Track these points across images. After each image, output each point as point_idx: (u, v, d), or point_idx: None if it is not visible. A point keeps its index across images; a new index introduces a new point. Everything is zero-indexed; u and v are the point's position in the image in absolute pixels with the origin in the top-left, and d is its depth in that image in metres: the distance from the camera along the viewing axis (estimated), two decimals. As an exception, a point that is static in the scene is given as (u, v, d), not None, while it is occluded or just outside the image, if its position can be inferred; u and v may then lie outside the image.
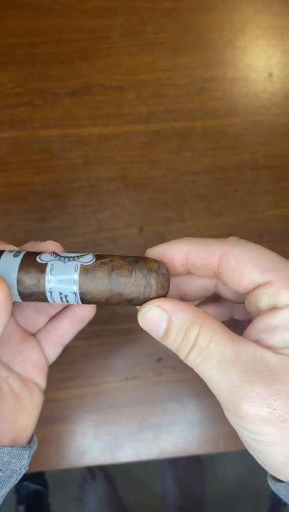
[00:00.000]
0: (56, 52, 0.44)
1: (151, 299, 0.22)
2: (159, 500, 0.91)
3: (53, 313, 0.29)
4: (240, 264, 0.22)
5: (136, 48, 0.45)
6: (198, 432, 0.41)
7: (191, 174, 0.43)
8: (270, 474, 0.23)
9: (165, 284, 0.22)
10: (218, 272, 0.23)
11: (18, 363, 0.28)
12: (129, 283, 0.21)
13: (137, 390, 0.41)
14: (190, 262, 0.23)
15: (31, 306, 0.28)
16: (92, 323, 0.42)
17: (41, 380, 0.29)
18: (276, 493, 0.23)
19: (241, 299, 0.24)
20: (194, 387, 0.41)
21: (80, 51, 0.44)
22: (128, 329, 0.41)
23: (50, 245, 0.25)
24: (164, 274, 0.22)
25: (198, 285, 0.25)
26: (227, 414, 0.21)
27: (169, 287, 0.23)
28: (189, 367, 0.22)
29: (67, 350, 0.41)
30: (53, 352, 0.30)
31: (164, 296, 0.22)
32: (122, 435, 0.40)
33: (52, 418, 0.40)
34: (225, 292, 0.25)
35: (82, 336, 0.41)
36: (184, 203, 0.43)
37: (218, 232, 0.43)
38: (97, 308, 0.42)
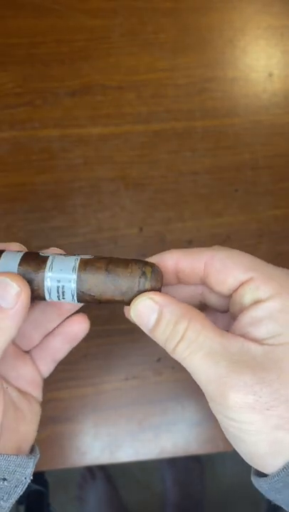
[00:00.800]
0: (56, 52, 0.44)
1: (146, 290, 0.23)
2: (159, 500, 0.91)
3: (50, 329, 0.29)
4: (225, 266, 0.23)
5: (136, 48, 0.45)
6: (198, 431, 0.41)
7: (191, 174, 0.43)
8: (253, 471, 0.24)
9: (159, 278, 0.23)
10: (205, 276, 0.24)
11: (14, 378, 0.28)
12: (125, 274, 0.22)
13: (137, 390, 0.41)
14: (179, 267, 0.25)
15: (29, 322, 0.28)
16: (92, 323, 0.42)
17: (37, 394, 0.29)
18: (259, 489, 0.24)
19: (225, 307, 0.26)
20: (194, 387, 0.41)
21: (80, 51, 0.44)
22: (128, 329, 0.41)
23: (55, 251, 0.26)
24: (158, 270, 0.23)
25: (186, 293, 0.27)
26: (212, 405, 0.22)
27: (162, 283, 0.23)
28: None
29: (68, 350, 0.41)
30: (46, 368, 0.30)
31: (158, 290, 0.23)
32: (122, 435, 0.40)
33: (52, 418, 0.40)
34: (210, 299, 0.26)
35: (85, 330, 0.41)
36: (184, 203, 0.43)
37: (218, 232, 0.43)
38: (97, 309, 0.42)
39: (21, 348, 0.29)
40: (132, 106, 0.44)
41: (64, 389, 0.41)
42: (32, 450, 0.27)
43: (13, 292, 0.22)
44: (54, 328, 0.29)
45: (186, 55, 0.45)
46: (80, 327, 0.29)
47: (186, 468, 0.91)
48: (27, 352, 0.29)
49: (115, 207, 0.43)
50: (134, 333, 0.41)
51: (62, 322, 0.29)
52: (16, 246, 0.25)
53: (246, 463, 0.24)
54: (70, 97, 0.44)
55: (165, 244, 0.42)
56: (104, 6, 0.45)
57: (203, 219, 0.43)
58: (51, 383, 0.40)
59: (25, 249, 0.25)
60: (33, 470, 0.26)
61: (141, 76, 0.44)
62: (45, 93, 0.44)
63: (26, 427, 0.27)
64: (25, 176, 0.42)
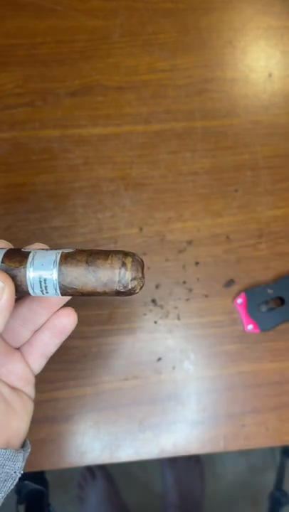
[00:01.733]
0: (56, 53, 0.44)
1: (127, 282, 0.23)
2: (159, 500, 0.91)
3: (39, 324, 0.29)
4: None
5: (136, 48, 0.45)
6: (198, 431, 0.41)
7: (191, 174, 0.44)
8: None
9: (139, 267, 0.23)
10: None
11: (4, 375, 0.28)
12: (105, 266, 0.22)
13: (137, 390, 0.41)
14: None
15: (17, 318, 0.28)
16: (92, 323, 0.42)
17: (29, 391, 0.29)
18: None
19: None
20: (194, 386, 0.41)
21: (80, 52, 0.45)
22: (128, 329, 0.41)
23: (39, 246, 0.26)
24: (138, 260, 0.23)
25: None
26: None
27: (143, 273, 0.23)
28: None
29: (68, 350, 0.41)
30: (37, 364, 0.30)
31: (139, 280, 0.23)
32: (122, 435, 0.40)
33: (52, 418, 0.40)
34: None
35: (82, 335, 0.42)
36: (184, 203, 0.43)
37: (218, 232, 0.43)
38: (97, 309, 0.42)
39: (11, 345, 0.29)
40: (132, 106, 0.44)
41: (64, 389, 0.41)
42: (23, 446, 0.27)
43: None
44: (43, 324, 0.29)
45: (185, 56, 0.45)
46: (68, 320, 0.29)
47: (186, 468, 0.91)
48: (17, 349, 0.29)
49: (115, 207, 0.43)
50: (134, 333, 0.41)
51: (50, 317, 0.29)
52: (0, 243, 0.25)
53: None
54: (70, 98, 0.44)
55: (165, 244, 0.43)
56: (104, 6, 0.45)
57: (203, 219, 0.43)
58: (51, 383, 0.40)
59: (10, 246, 0.25)
60: (23, 464, 0.26)
61: (141, 76, 0.45)
62: (45, 93, 0.44)
63: (18, 423, 0.27)
64: (26, 176, 0.43)
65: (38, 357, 0.29)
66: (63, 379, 0.41)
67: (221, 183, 0.44)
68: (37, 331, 0.29)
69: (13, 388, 0.28)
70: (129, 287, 0.23)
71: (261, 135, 0.45)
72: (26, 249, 0.24)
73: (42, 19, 0.45)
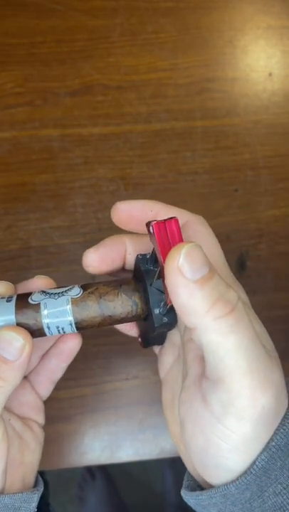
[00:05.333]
0: (56, 52, 0.44)
1: (139, 314, 0.24)
2: (159, 500, 0.91)
3: (45, 349, 0.30)
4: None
5: (136, 47, 0.45)
6: (199, 431, 0.41)
7: (191, 174, 0.44)
8: (187, 482, 0.24)
9: (148, 300, 0.24)
10: None
11: (16, 407, 0.28)
12: (117, 306, 0.24)
13: (137, 390, 0.41)
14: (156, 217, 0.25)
15: None
16: (93, 322, 0.42)
17: (40, 418, 0.29)
18: (188, 503, 0.24)
19: None
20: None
21: (80, 51, 0.44)
22: (128, 329, 0.41)
23: (39, 281, 0.26)
24: (145, 290, 0.24)
25: (143, 245, 0.27)
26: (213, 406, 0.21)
27: (150, 302, 0.24)
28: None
29: (68, 349, 0.41)
30: (45, 390, 0.30)
31: (148, 310, 0.24)
32: (122, 435, 0.40)
33: (52, 418, 0.40)
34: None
35: (82, 335, 0.41)
36: (184, 202, 0.43)
37: (218, 232, 0.43)
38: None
39: None
40: (132, 106, 0.44)
41: (64, 389, 0.41)
42: (36, 481, 0.28)
43: (18, 345, 0.23)
44: (49, 348, 0.30)
45: (186, 55, 0.45)
46: (73, 343, 0.29)
47: (186, 468, 0.91)
48: (25, 377, 0.29)
49: (115, 207, 0.43)
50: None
51: (55, 342, 0.29)
52: (2, 286, 0.25)
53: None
54: (70, 97, 0.44)
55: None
56: (104, 6, 0.45)
57: (203, 219, 0.43)
58: (51, 383, 0.40)
59: (12, 286, 0.26)
60: (37, 502, 0.26)
61: (141, 76, 0.44)
62: (45, 93, 0.44)
63: (30, 457, 0.27)
64: (26, 175, 0.42)
65: (46, 384, 0.30)
66: (63, 379, 0.41)
67: (221, 183, 0.44)
68: (43, 358, 0.30)
69: (24, 420, 0.28)
70: (143, 315, 0.24)
71: (261, 134, 0.44)
72: (34, 299, 0.24)
73: (42, 18, 0.45)
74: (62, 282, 0.43)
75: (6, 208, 0.42)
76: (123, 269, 0.26)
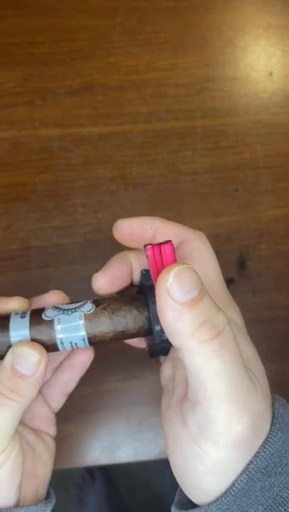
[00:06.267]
0: (56, 52, 0.44)
1: (150, 328, 0.24)
2: (159, 500, 0.91)
3: (59, 361, 0.30)
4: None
5: (136, 47, 0.45)
6: (198, 431, 0.41)
7: (191, 174, 0.43)
8: (178, 498, 0.24)
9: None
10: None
11: (29, 420, 0.29)
12: (130, 321, 0.24)
13: (137, 390, 0.41)
14: (156, 238, 0.25)
15: None
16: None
17: (51, 430, 0.30)
18: None
19: None
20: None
21: (80, 51, 0.44)
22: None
23: (53, 296, 0.27)
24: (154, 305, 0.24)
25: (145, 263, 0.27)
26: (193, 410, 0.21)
27: None
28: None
29: (67, 350, 0.41)
30: (57, 403, 0.31)
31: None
32: (121, 435, 0.40)
33: (52, 418, 0.40)
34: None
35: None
36: (184, 202, 0.43)
37: (218, 232, 0.43)
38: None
39: None
40: (132, 105, 0.44)
41: (64, 389, 0.40)
42: (48, 493, 0.28)
43: (34, 360, 0.23)
44: (62, 361, 0.30)
45: (186, 55, 0.45)
46: (86, 355, 0.30)
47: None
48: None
49: (115, 207, 0.43)
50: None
51: (68, 355, 0.30)
52: (17, 302, 0.26)
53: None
54: (70, 97, 0.44)
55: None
56: (104, 5, 0.45)
57: (203, 219, 0.43)
58: (51, 383, 0.40)
59: (26, 302, 0.26)
60: None
61: (141, 76, 0.44)
62: (45, 93, 0.43)
63: (43, 468, 0.28)
64: (26, 175, 0.42)
65: (58, 397, 0.30)
66: (63, 379, 0.41)
67: (221, 183, 0.44)
68: (56, 371, 0.30)
69: (37, 432, 0.29)
70: (156, 329, 0.24)
71: (261, 134, 0.44)
72: (47, 315, 0.25)
73: (42, 18, 0.45)
74: (62, 282, 0.43)
75: (6, 208, 0.42)
76: (131, 285, 0.27)
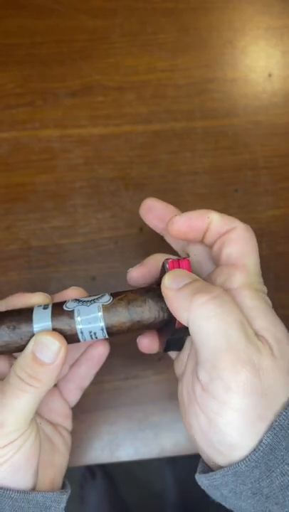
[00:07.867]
0: (56, 53, 0.44)
1: (165, 319, 0.26)
2: (159, 500, 0.91)
3: (76, 357, 0.31)
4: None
5: (136, 48, 0.45)
6: (198, 431, 0.41)
7: (190, 174, 0.44)
8: (201, 468, 0.25)
9: None
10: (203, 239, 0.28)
11: (46, 413, 0.30)
12: (145, 311, 0.26)
13: (137, 390, 0.41)
14: (210, 228, 0.28)
15: None
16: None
17: (68, 424, 0.31)
18: (202, 486, 0.25)
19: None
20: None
21: (80, 51, 0.45)
22: (128, 329, 0.41)
23: (74, 292, 0.29)
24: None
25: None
26: (206, 377, 0.23)
27: None
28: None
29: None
30: (74, 397, 0.32)
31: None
32: (122, 434, 0.41)
33: (52, 417, 0.40)
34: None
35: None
36: (184, 202, 0.43)
37: (218, 232, 0.43)
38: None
39: None
40: (132, 106, 0.44)
41: (64, 388, 0.41)
42: (64, 484, 0.29)
43: (54, 348, 0.24)
44: (79, 356, 0.31)
45: (185, 56, 0.45)
46: (104, 347, 0.31)
47: (186, 467, 0.91)
48: (54, 385, 0.31)
49: (115, 207, 0.43)
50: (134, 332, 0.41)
51: (86, 349, 0.31)
52: (39, 297, 0.27)
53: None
54: (70, 98, 0.44)
55: (165, 244, 0.43)
56: (104, 6, 0.45)
57: (203, 219, 0.43)
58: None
59: (49, 298, 0.28)
60: (65, 504, 0.27)
61: (141, 76, 0.45)
62: (45, 93, 0.44)
63: (60, 459, 0.29)
64: (26, 176, 0.43)
65: (75, 391, 0.32)
66: (63, 379, 0.41)
67: (221, 183, 0.44)
68: (73, 366, 0.32)
69: (54, 425, 0.30)
70: (170, 319, 0.26)
71: (261, 135, 0.45)
72: (68, 306, 0.26)
73: (42, 19, 0.45)
74: (62, 282, 0.43)
75: (6, 208, 0.42)
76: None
